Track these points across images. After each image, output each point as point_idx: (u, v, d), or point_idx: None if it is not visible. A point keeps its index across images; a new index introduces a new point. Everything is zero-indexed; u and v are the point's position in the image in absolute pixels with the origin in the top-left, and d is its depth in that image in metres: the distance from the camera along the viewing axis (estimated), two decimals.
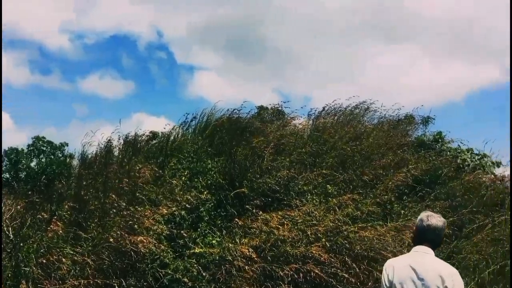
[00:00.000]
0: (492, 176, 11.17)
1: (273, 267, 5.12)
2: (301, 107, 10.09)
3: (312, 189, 6.84)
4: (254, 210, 5.72)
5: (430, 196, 7.29)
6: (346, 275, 5.10)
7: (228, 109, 8.57)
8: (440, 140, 12.00)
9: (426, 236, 3.01)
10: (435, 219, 3.04)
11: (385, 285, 3.00)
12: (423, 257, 2.96)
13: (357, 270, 5.27)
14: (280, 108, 10.13)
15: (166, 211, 5.68)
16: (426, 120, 12.62)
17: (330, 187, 7.06)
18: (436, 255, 3.05)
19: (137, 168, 6.22)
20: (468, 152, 11.91)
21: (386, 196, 7.11)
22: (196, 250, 5.22)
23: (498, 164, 11.73)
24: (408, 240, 5.89)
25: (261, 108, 10.48)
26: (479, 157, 11.95)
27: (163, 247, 5.37)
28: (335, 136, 8.43)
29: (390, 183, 6.93)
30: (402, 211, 7.04)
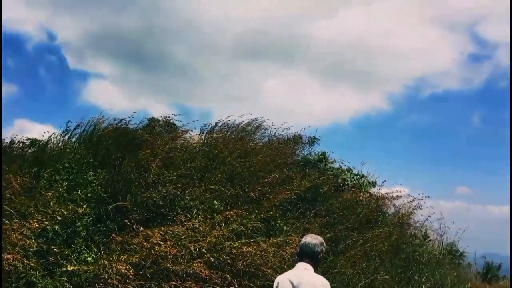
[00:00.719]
0: (368, 195, 12.10)
1: (152, 284, 4.95)
2: (193, 121, 9.84)
3: (199, 204, 6.78)
4: (134, 226, 5.49)
5: (311, 213, 7.63)
6: None
7: (115, 119, 8.18)
8: (324, 160, 12.69)
9: (303, 254, 3.57)
10: (309, 238, 3.62)
11: None
12: (301, 271, 3.49)
13: (237, 286, 5.30)
14: (171, 121, 9.94)
15: (37, 225, 5.22)
16: (312, 141, 13.28)
17: (217, 203, 7.06)
18: (316, 270, 3.57)
19: (6, 178, 5.65)
20: (348, 172, 12.76)
21: (270, 212, 7.30)
22: (69, 268, 4.85)
23: (374, 184, 12.73)
24: (288, 256, 6.10)
25: (152, 119, 10.17)
26: (357, 177, 12.87)
27: (31, 264, 4.91)
28: (225, 151, 8.48)
29: (275, 199, 7.12)
30: (285, 227, 7.28)
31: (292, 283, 3.42)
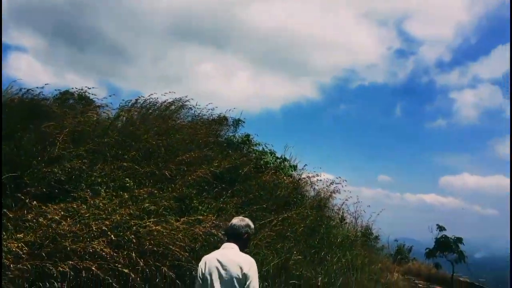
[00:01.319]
0: (289, 178, 12.25)
1: (47, 264, 4.60)
2: (110, 96, 9.35)
3: (109, 182, 6.45)
4: (29, 201, 5.05)
5: (227, 193, 7.53)
6: (126, 271, 4.86)
7: (21, 89, 7.55)
8: (247, 142, 12.67)
9: (229, 235, 3.75)
10: (236, 220, 3.82)
11: (199, 277, 3.59)
12: (227, 251, 3.62)
13: (142, 265, 5.09)
14: (85, 94, 9.35)
15: None
16: (236, 122, 13.19)
17: (129, 181, 6.76)
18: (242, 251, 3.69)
19: None
20: (270, 155, 12.84)
21: (186, 191, 7.11)
22: None
23: (295, 168, 12.92)
24: (201, 235, 5.96)
25: (65, 92, 9.50)
26: (280, 160, 13.00)
27: None
28: (142, 128, 8.14)
29: (190, 178, 6.92)
30: (200, 207, 7.13)
31: (219, 261, 3.53)
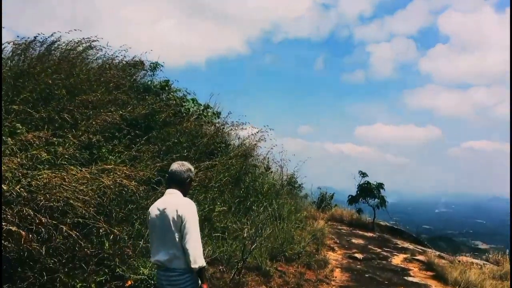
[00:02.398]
0: (212, 126, 11.56)
1: None
2: None
3: None
4: None
5: (141, 140, 6.67)
6: (14, 228, 3.98)
7: None
8: (166, 88, 11.68)
9: (170, 180, 3.66)
10: (176, 165, 3.70)
11: (147, 227, 3.77)
12: (168, 197, 3.59)
13: (37, 223, 4.21)
14: None
15: None
16: (154, 67, 12.07)
17: (21, 127, 5.67)
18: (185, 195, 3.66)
19: None
20: (192, 102, 11.98)
21: (94, 138, 6.16)
22: None
23: (218, 115, 12.21)
24: (110, 186, 5.13)
25: None
26: (202, 108, 12.19)
27: None
28: (37, 67, 6.93)
29: (94, 122, 5.96)
30: (110, 156, 6.23)
31: (158, 209, 3.52)
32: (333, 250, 10.28)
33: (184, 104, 11.46)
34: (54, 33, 9.31)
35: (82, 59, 9.70)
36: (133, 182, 5.19)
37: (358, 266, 9.02)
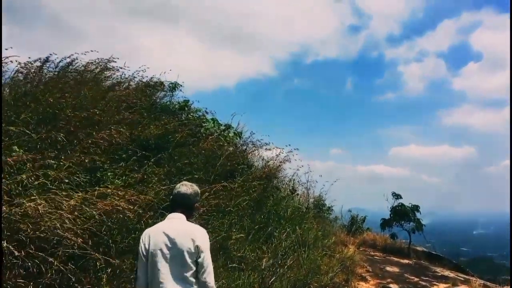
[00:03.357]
0: (233, 146, 11.00)
1: None
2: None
3: None
4: None
5: (149, 162, 6.13)
6: None
7: None
8: (185, 108, 11.24)
9: (177, 204, 3.29)
10: (185, 187, 3.34)
11: (142, 254, 3.16)
12: (175, 222, 3.20)
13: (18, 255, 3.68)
14: None
15: None
16: (173, 87, 11.68)
17: (17, 149, 5.22)
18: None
19: None
20: (212, 122, 11.48)
21: (98, 160, 5.67)
22: None
23: (240, 135, 11.65)
24: (109, 211, 4.57)
25: None
26: (223, 128, 11.67)
27: None
28: (40, 87, 6.55)
29: (92, 142, 5.45)
30: (116, 180, 5.69)
31: (167, 235, 3.12)
32: (365, 280, 9.40)
33: (203, 124, 10.98)
34: (72, 54, 9.04)
35: (96, 80, 9.36)
36: (135, 207, 4.60)
37: None
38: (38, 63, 8.38)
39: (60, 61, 8.93)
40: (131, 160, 6.06)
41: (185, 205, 3.31)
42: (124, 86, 9.96)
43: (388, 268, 11.05)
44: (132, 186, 5.68)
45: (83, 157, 5.18)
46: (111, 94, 7.58)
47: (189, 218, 3.32)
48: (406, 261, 12.56)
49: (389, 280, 9.66)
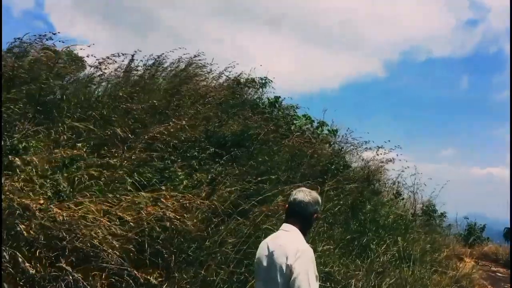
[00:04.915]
0: (327, 145, 10.04)
1: None
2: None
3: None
4: None
5: (221, 160, 5.42)
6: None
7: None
8: (276, 105, 10.49)
9: (291, 212, 2.84)
10: (301, 194, 2.85)
11: (255, 264, 2.88)
12: (281, 234, 2.79)
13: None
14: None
15: None
16: (263, 83, 10.99)
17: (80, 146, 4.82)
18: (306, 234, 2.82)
19: None
20: (305, 118, 10.60)
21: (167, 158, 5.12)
22: None
23: (334, 132, 10.61)
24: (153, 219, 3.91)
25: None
26: (317, 125, 10.73)
27: None
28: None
29: (145, 136, 4.83)
30: (182, 178, 5.04)
31: (268, 248, 2.73)
32: None
33: (295, 121, 10.14)
34: (162, 54, 8.71)
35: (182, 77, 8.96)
36: (187, 215, 3.89)
37: None
38: (124, 60, 8.22)
39: (148, 59, 8.70)
40: (202, 157, 5.40)
41: (299, 215, 2.82)
42: (209, 81, 9.45)
43: None
44: (200, 184, 5.02)
45: (147, 154, 4.61)
46: (186, 88, 6.99)
47: (305, 229, 2.86)
48: None
49: None
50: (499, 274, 10.75)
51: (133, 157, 4.35)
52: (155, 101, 5.69)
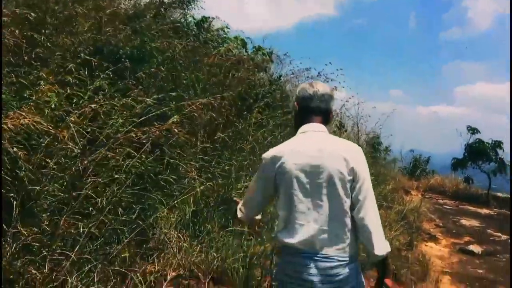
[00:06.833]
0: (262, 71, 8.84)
1: None
2: None
3: None
4: None
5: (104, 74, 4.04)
6: None
7: None
8: (202, 25, 9.05)
9: (313, 108, 2.06)
10: (321, 86, 2.13)
11: (264, 183, 2.01)
12: (316, 136, 1.99)
13: None
14: None
15: None
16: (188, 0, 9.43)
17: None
18: None
19: None
20: (237, 40, 9.24)
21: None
22: None
23: (269, 55, 9.37)
24: None
25: None
26: (252, 50, 9.44)
27: None
28: None
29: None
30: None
31: (307, 156, 1.90)
32: (434, 239, 7.09)
33: (225, 44, 8.77)
34: None
35: None
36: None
37: (479, 270, 5.82)
38: None
39: None
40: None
41: (324, 112, 2.10)
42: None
43: (463, 222, 8.66)
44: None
45: None
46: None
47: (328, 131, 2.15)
48: (485, 211, 10.04)
49: (467, 239, 7.33)
50: (447, 207, 10.25)
51: None
52: None
